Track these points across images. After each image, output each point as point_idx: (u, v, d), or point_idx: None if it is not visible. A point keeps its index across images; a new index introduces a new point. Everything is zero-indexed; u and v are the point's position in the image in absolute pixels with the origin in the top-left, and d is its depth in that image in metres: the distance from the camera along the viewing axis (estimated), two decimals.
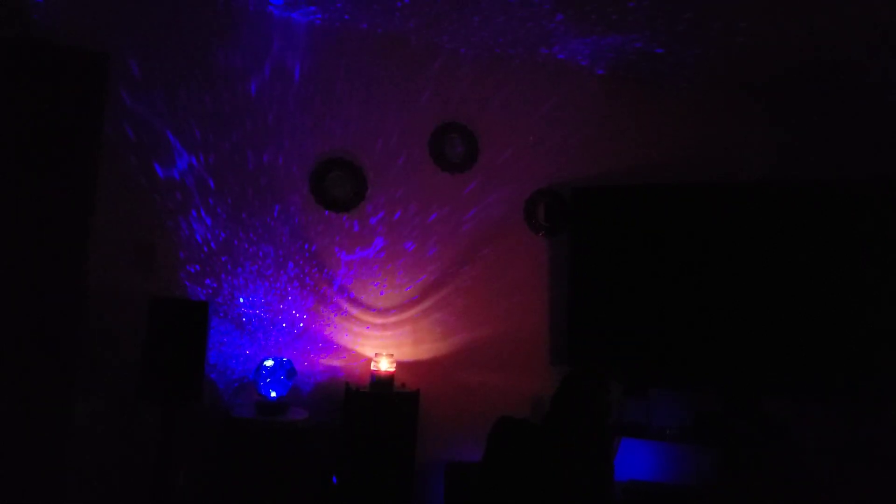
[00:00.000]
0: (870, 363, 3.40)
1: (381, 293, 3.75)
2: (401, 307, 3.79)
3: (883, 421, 3.62)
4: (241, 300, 3.48)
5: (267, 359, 3.37)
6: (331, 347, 3.64)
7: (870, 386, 3.42)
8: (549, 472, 2.58)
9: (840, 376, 3.45)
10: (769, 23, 3.29)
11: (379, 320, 3.74)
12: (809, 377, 3.49)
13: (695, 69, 3.92)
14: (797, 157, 4.10)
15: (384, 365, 3.50)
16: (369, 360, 3.59)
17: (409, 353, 3.77)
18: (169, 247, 3.35)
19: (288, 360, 3.39)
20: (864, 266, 3.46)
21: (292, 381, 3.37)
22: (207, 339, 3.02)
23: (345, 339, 3.67)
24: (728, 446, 3.58)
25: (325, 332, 3.64)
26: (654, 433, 3.70)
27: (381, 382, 3.47)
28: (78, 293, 3.11)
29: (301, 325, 3.59)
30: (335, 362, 3.65)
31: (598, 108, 4.13)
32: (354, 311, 3.70)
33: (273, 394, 3.31)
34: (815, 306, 3.50)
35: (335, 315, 3.66)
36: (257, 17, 3.53)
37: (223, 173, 3.46)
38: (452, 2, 3.30)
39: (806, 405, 3.69)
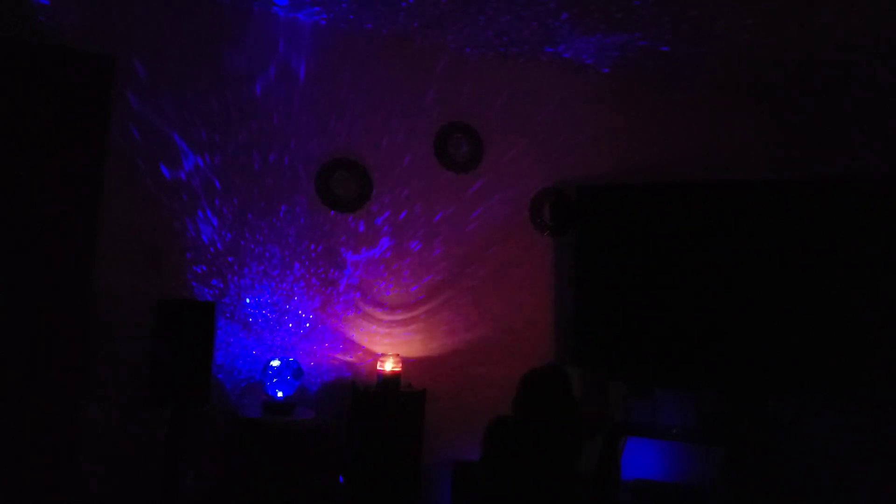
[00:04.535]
0: (876, 363, 3.39)
1: (387, 293, 3.76)
2: (407, 307, 3.79)
3: (889, 421, 3.61)
4: (248, 301, 3.49)
5: (273, 359, 3.38)
6: (337, 347, 3.65)
7: (876, 386, 3.41)
8: (540, 468, 2.59)
9: (846, 376, 3.44)
10: (773, 22, 3.28)
11: (385, 320, 3.75)
12: (815, 377, 3.49)
13: (699, 68, 3.91)
14: (801, 156, 4.09)
15: (390, 364, 3.51)
16: (376, 360, 3.59)
17: (415, 352, 3.78)
18: (175, 248, 3.36)
19: (294, 360, 3.41)
20: (869, 265, 3.45)
21: (299, 381, 3.38)
22: (214, 340, 3.04)
23: (351, 339, 3.68)
24: (734, 446, 3.58)
25: (332, 332, 3.65)
26: (660, 433, 3.70)
27: (388, 382, 3.48)
28: (85, 295, 3.12)
29: (307, 325, 3.60)
30: (342, 362, 3.66)
31: (603, 107, 4.12)
32: (360, 311, 3.70)
33: (280, 394, 3.32)
34: (820, 306, 3.50)
35: (341, 315, 3.67)
36: (262, 18, 3.54)
37: (229, 174, 3.47)
38: (457, 1, 3.30)
39: (812, 405, 3.69)
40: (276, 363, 3.35)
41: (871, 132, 4.08)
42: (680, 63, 3.87)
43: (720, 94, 4.20)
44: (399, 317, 3.78)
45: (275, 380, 3.32)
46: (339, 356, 3.66)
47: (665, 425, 3.75)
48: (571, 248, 4.01)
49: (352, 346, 3.68)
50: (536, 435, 2.64)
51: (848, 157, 4.02)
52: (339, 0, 3.36)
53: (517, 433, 2.67)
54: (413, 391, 3.51)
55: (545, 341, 3.98)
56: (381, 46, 3.76)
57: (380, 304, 3.75)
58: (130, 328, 3.17)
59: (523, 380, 2.73)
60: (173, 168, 3.36)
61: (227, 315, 3.44)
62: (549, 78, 4.05)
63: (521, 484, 2.60)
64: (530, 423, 2.67)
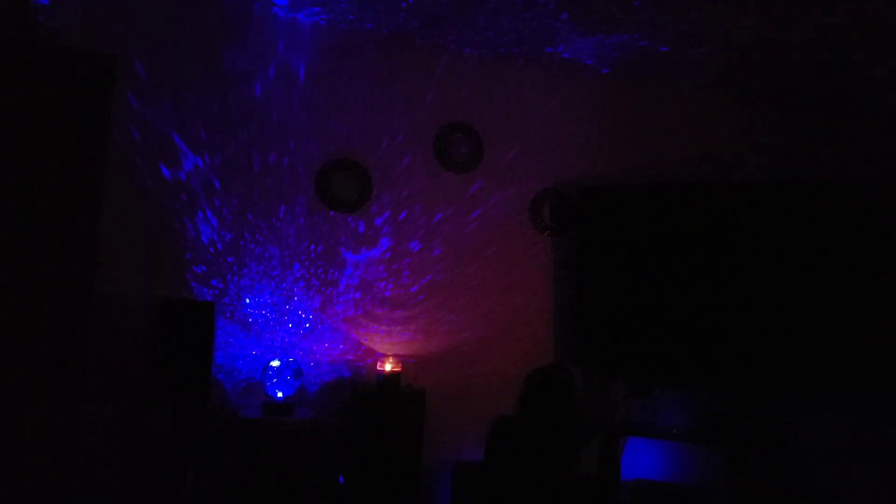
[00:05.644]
0: (876, 363, 3.39)
1: (387, 293, 3.76)
2: (407, 307, 3.79)
3: (889, 421, 3.60)
4: (248, 301, 3.49)
5: (273, 359, 3.38)
6: (337, 347, 3.65)
7: (876, 386, 3.41)
8: (541, 467, 2.60)
9: (846, 377, 3.44)
10: (773, 22, 3.28)
11: (385, 320, 3.75)
12: (816, 378, 3.49)
13: (699, 68, 3.91)
14: (801, 156, 4.09)
15: (390, 364, 3.51)
16: (375, 360, 3.60)
17: (415, 352, 3.78)
18: (175, 248, 3.36)
19: (294, 361, 3.41)
20: (869, 266, 3.45)
21: (299, 381, 3.38)
22: (214, 340, 3.04)
23: (351, 339, 3.68)
24: (734, 446, 3.58)
25: (331, 333, 3.65)
26: (660, 433, 3.70)
27: (387, 382, 3.48)
28: (85, 295, 3.12)
29: (307, 325, 3.60)
30: (341, 362, 3.66)
31: (603, 107, 4.13)
32: (360, 312, 3.70)
33: (279, 394, 3.32)
34: (821, 307, 3.50)
35: (341, 315, 3.67)
36: (262, 18, 3.54)
37: (229, 174, 3.47)
38: (457, 2, 3.30)
39: (812, 406, 3.68)
40: (275, 363, 3.35)
41: (871, 132, 4.08)
42: (680, 63, 3.87)
43: (720, 94, 4.20)
44: (399, 317, 3.78)
45: (275, 380, 3.32)
46: (339, 356, 3.66)
47: (665, 425, 3.75)
48: (572, 249, 4.01)
49: (351, 346, 3.68)
50: (535, 434, 2.64)
51: (848, 157, 4.02)
52: (339, 0, 3.36)
53: (518, 432, 2.68)
54: (413, 391, 3.51)
55: (545, 342, 3.98)
56: (381, 47, 3.76)
57: (379, 305, 3.75)
58: (130, 328, 3.17)
59: (526, 378, 2.76)
60: (173, 168, 3.36)
61: (227, 315, 3.44)
62: (549, 78, 4.05)
63: (521, 484, 2.60)
64: (530, 421, 2.68)
